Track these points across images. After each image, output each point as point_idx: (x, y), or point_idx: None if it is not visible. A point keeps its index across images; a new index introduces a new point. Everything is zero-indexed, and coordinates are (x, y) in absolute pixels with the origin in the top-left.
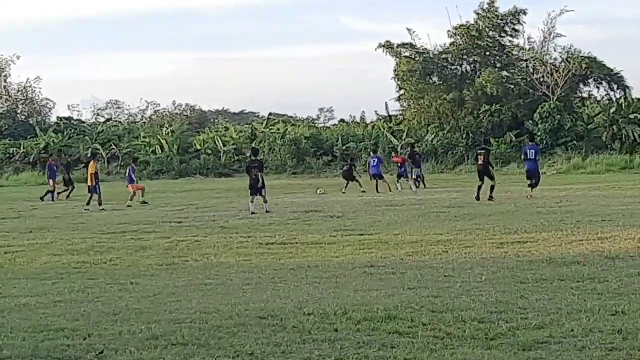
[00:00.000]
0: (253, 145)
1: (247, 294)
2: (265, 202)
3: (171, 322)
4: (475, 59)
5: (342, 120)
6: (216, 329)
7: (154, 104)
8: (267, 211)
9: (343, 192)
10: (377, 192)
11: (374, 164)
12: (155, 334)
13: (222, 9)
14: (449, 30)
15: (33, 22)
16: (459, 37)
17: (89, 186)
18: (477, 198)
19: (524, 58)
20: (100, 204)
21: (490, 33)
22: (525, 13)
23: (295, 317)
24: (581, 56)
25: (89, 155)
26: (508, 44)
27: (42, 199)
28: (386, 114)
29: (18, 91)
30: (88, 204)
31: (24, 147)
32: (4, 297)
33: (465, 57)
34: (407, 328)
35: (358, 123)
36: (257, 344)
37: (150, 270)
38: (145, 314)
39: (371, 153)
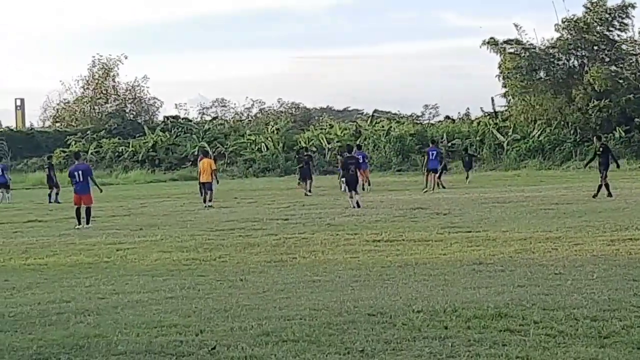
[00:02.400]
0: (357, 142)
1: (355, 291)
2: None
3: (281, 319)
4: (584, 54)
5: (447, 117)
6: (326, 325)
7: (260, 102)
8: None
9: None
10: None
11: (433, 157)
12: (266, 331)
13: (323, 7)
14: (556, 24)
15: (141, 22)
16: (566, 32)
17: (204, 183)
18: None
19: (635, 53)
20: (210, 201)
21: (598, 28)
22: (634, 7)
23: (405, 315)
24: None
25: (196, 153)
26: (617, 38)
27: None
28: (492, 111)
29: (126, 91)
30: (210, 200)
31: (132, 146)
32: (117, 294)
33: (572, 51)
34: (519, 326)
35: (463, 120)
36: (368, 341)
37: (259, 267)
38: (255, 310)
39: (430, 144)
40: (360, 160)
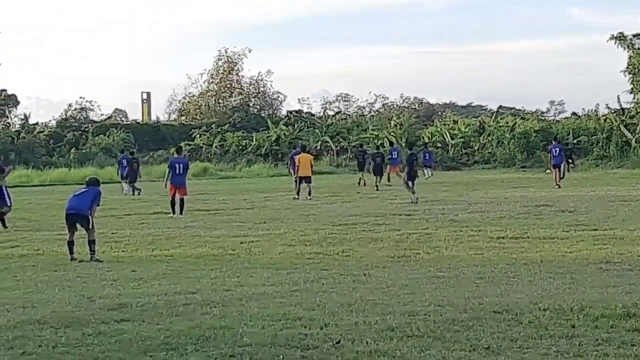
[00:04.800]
0: (480, 138)
1: (480, 288)
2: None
3: (405, 314)
4: None
5: (574, 114)
6: (451, 322)
7: (383, 97)
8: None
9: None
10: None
11: (557, 154)
12: (390, 326)
13: (448, 3)
14: None
15: (267, 18)
16: None
17: (304, 177)
18: None
19: None
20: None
21: None
22: None
23: (531, 312)
24: None
25: (296, 147)
26: None
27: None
28: (619, 107)
29: (250, 85)
30: (310, 194)
31: (256, 140)
32: (242, 286)
33: None
34: None
35: (589, 116)
36: (493, 338)
37: (382, 262)
38: (379, 305)
39: (553, 141)
40: (393, 156)
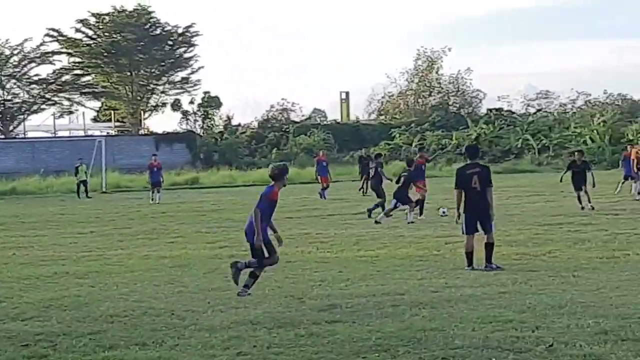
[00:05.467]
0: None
1: None
2: None
3: (619, 317)
4: None
5: None
6: None
7: (585, 94)
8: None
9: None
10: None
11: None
12: (604, 329)
13: None
14: None
15: (468, 14)
16: None
17: None
18: None
19: None
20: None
21: None
22: None
23: None
24: None
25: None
26: None
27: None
28: None
29: (450, 83)
30: None
31: (455, 138)
32: (450, 288)
33: None
34: None
35: None
36: None
37: (591, 263)
38: (591, 308)
39: (628, 147)
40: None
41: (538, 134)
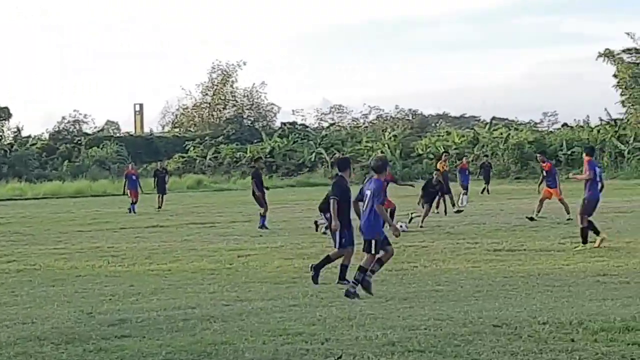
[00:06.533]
0: (474, 149)
1: (479, 301)
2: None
3: (406, 329)
4: None
5: (565, 125)
6: (451, 336)
7: (377, 109)
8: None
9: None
10: None
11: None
12: (391, 340)
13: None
14: None
15: (264, 31)
16: None
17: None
18: None
19: None
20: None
21: None
22: None
23: (531, 327)
24: None
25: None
26: None
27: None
28: (609, 119)
29: (244, 96)
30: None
31: (250, 152)
32: (241, 301)
33: None
34: None
35: (582, 127)
36: (494, 352)
37: (380, 275)
38: (379, 319)
39: (463, 159)
40: None
41: (331, 147)
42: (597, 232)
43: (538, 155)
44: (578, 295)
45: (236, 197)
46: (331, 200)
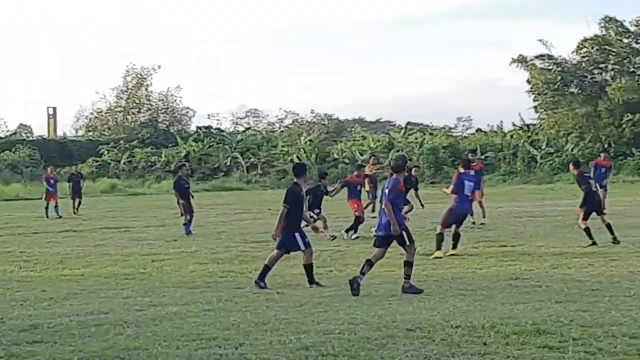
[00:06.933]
0: (389, 154)
1: (393, 305)
2: None
3: (320, 333)
4: (614, 67)
5: (479, 130)
6: (365, 340)
7: (293, 113)
8: None
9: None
10: None
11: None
12: (305, 345)
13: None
14: (586, 39)
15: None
16: (595, 46)
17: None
18: None
19: None
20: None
21: (625, 40)
22: None
23: (444, 330)
24: None
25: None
26: None
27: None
28: (522, 124)
29: (159, 100)
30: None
31: (165, 156)
32: (155, 306)
33: (602, 65)
34: (558, 343)
35: (496, 132)
36: (407, 356)
37: (295, 280)
38: (294, 324)
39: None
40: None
41: (247, 152)
42: (438, 247)
43: (470, 154)
44: (491, 299)
45: (150, 201)
46: (282, 208)
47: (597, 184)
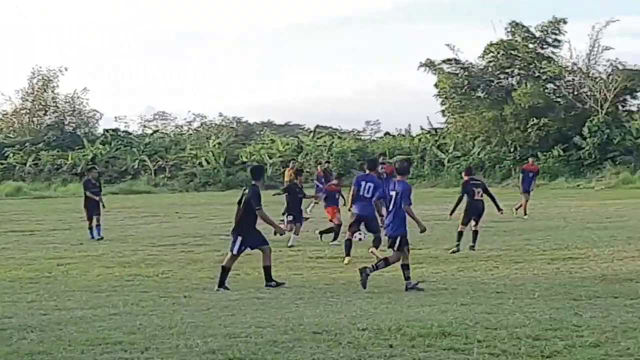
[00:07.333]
0: (298, 157)
1: (300, 308)
2: None
3: (227, 337)
4: (520, 72)
5: (387, 134)
6: (272, 343)
7: (201, 116)
8: None
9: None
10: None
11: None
12: (212, 349)
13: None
14: (492, 44)
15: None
16: (501, 51)
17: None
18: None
19: (571, 70)
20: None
21: (531, 45)
22: (565, 22)
23: (350, 333)
24: (628, 69)
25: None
26: (552, 55)
27: None
28: (430, 128)
29: (66, 102)
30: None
31: (71, 158)
32: (60, 310)
33: (508, 70)
34: (463, 345)
35: (404, 136)
36: (314, 359)
37: (202, 283)
38: (200, 328)
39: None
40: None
41: (155, 155)
42: (348, 253)
43: (381, 157)
44: (397, 301)
45: (56, 204)
46: (257, 212)
47: (526, 190)
